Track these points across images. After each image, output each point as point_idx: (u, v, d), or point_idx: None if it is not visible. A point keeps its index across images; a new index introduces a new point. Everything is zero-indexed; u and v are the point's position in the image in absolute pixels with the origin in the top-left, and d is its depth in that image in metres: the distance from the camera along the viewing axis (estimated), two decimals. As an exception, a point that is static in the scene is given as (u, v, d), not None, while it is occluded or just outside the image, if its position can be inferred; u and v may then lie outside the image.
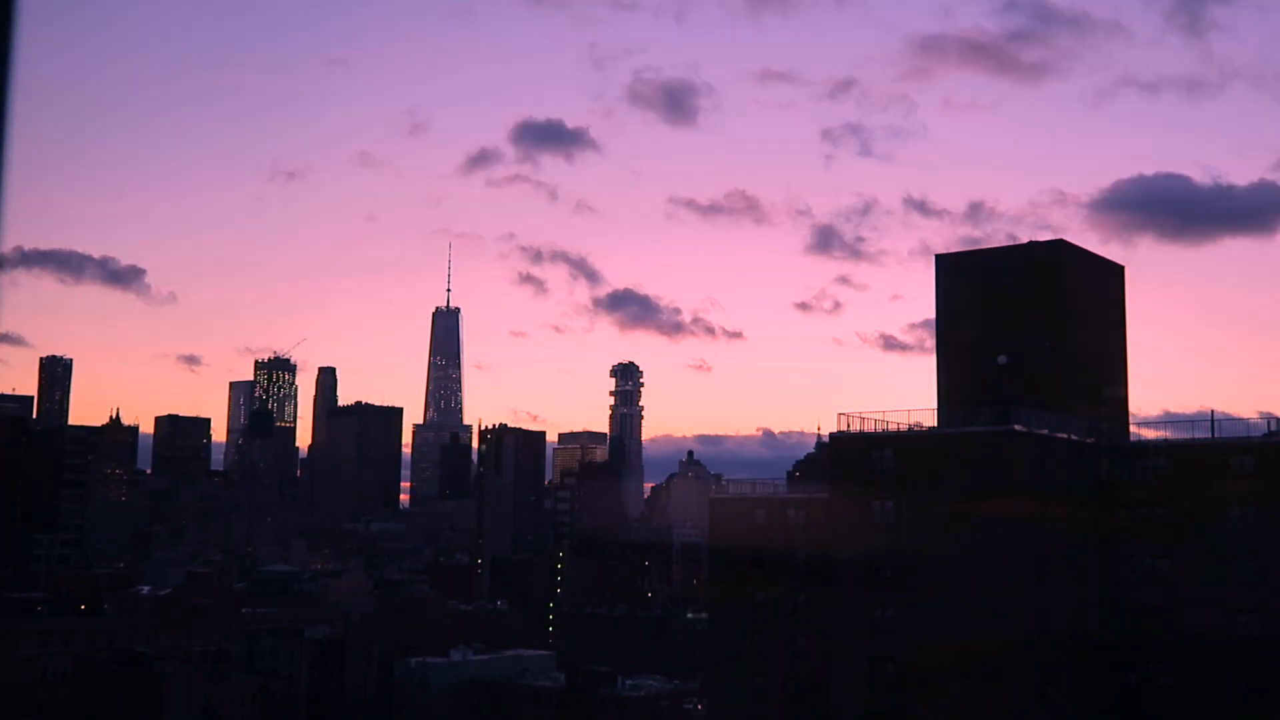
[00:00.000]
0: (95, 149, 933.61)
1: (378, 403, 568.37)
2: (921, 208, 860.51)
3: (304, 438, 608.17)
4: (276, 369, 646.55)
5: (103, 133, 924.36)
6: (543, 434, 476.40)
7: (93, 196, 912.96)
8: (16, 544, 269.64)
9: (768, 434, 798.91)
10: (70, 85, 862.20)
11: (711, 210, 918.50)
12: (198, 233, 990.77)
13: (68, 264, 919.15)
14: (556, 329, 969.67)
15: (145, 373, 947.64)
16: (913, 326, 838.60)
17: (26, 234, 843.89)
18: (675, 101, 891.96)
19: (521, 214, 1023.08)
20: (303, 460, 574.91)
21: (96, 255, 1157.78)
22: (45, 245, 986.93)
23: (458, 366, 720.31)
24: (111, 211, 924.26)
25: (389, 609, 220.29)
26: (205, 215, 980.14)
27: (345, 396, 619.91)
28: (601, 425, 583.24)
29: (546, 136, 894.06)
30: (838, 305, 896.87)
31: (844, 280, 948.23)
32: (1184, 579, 66.70)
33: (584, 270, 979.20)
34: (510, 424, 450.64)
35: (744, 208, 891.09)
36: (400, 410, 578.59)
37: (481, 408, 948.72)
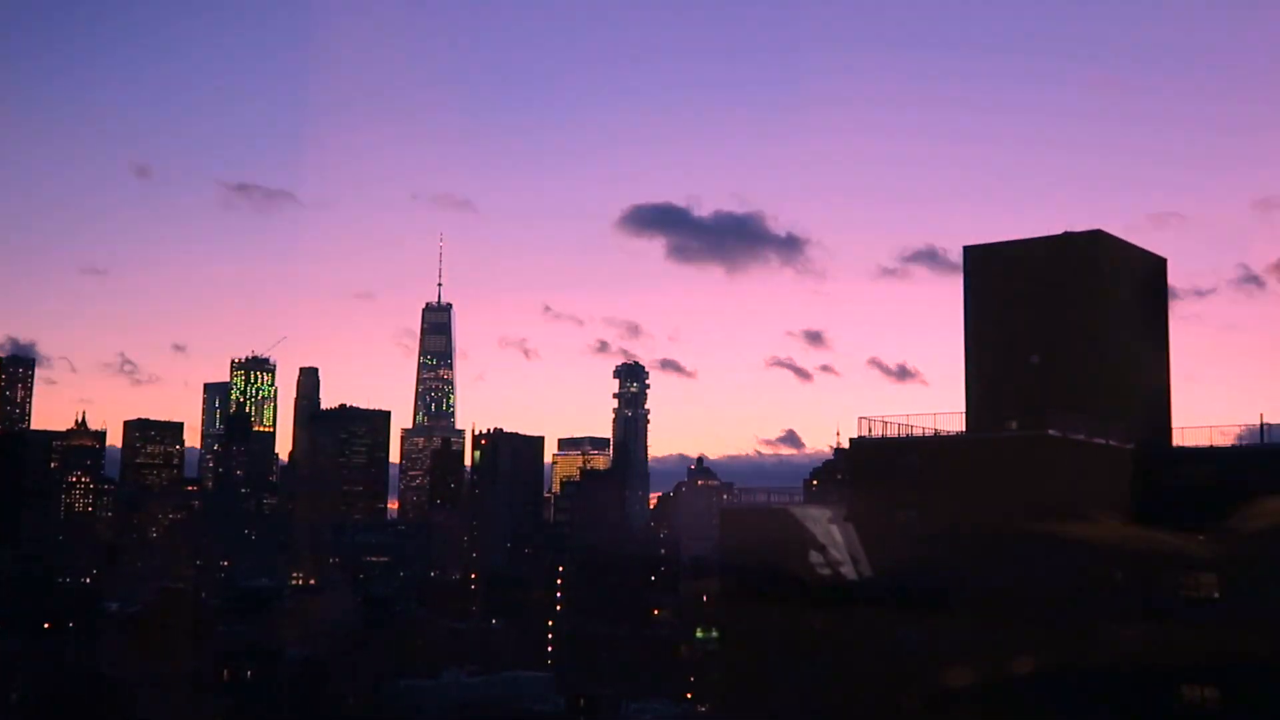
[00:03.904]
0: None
1: (363, 405, 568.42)
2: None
3: (284, 443, 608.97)
4: (254, 369, 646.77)
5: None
6: (541, 439, 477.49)
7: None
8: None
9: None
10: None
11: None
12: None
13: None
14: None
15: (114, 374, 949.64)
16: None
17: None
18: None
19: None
20: (282, 467, 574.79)
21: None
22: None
23: (450, 367, 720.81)
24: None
25: (375, 628, 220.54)
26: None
27: (328, 399, 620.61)
28: (604, 430, 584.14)
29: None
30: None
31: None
32: (1232, 595, 66.55)
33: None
34: (506, 428, 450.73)
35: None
36: (388, 414, 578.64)
37: (476, 411, 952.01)
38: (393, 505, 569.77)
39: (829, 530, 77.35)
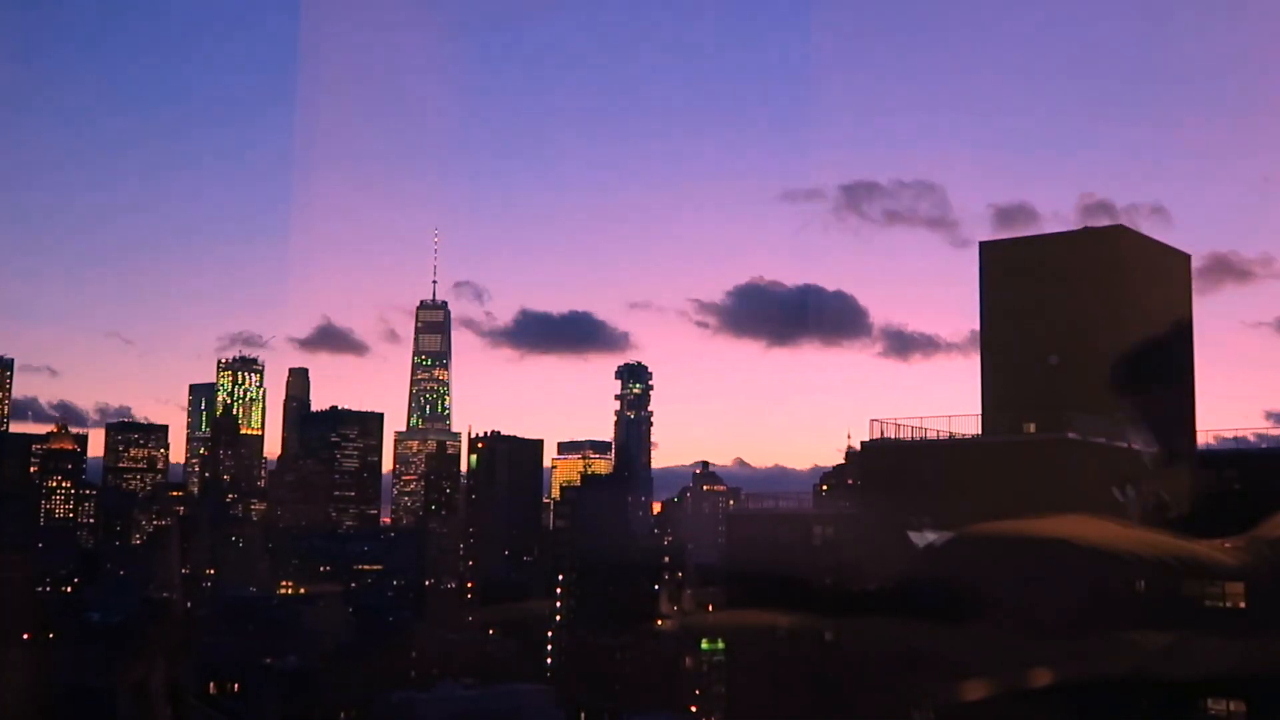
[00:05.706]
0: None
1: (355, 408, 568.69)
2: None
3: (273, 447, 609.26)
4: (241, 369, 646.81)
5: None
6: (540, 442, 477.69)
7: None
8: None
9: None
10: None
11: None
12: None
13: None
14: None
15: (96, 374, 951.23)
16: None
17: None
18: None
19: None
20: (271, 472, 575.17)
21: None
22: None
23: (446, 367, 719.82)
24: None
25: (367, 638, 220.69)
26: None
27: (319, 400, 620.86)
28: (606, 433, 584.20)
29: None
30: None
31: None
32: (1260, 605, 66.62)
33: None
34: (504, 431, 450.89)
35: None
36: (381, 416, 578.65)
37: (472, 413, 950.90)
38: (385, 511, 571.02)
39: (839, 536, 77.49)
